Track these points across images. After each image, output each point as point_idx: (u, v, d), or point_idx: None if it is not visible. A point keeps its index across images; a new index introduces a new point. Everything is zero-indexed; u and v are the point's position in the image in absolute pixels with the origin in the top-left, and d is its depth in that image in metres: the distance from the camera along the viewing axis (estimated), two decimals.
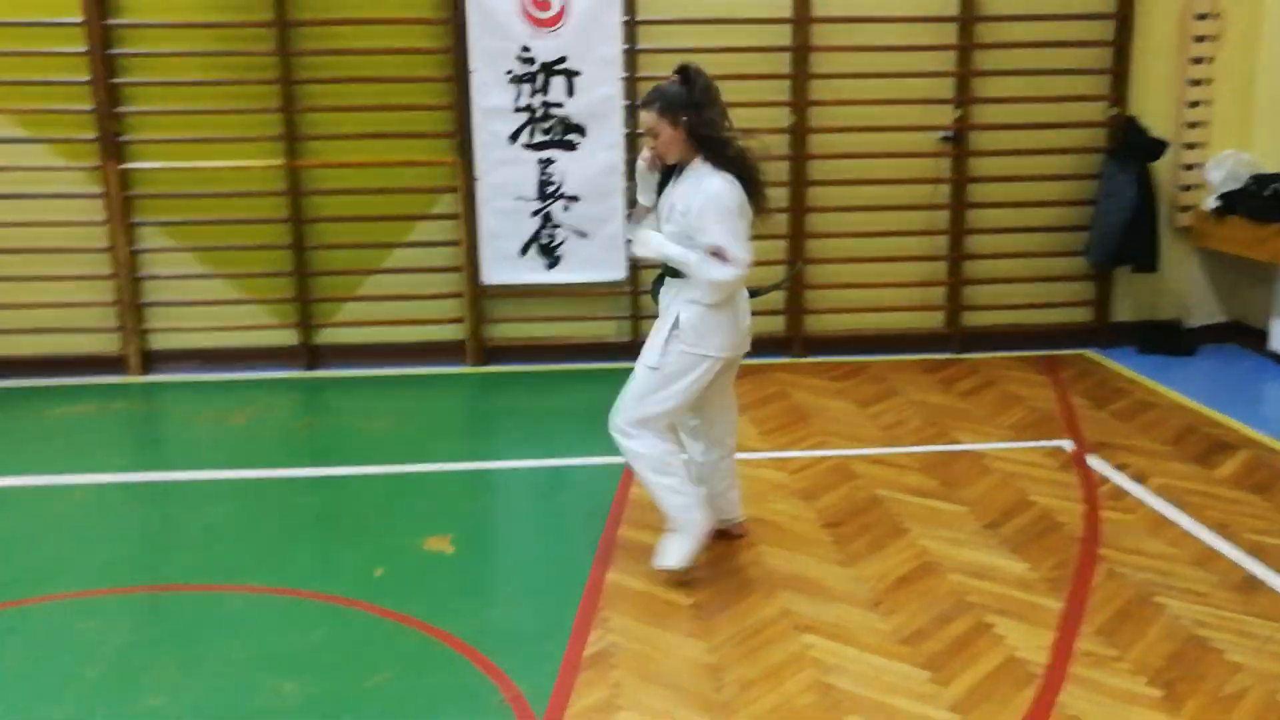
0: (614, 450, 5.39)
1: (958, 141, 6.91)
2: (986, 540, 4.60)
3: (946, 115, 6.89)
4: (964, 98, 6.86)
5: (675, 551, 4.24)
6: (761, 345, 7.01)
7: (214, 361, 6.94)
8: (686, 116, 3.96)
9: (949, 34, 6.81)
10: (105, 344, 6.89)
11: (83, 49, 6.51)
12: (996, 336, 7.18)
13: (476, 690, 3.62)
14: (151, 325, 6.92)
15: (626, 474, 5.32)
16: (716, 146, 4.00)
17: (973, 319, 7.20)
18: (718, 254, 3.95)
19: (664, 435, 4.24)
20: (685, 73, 4.03)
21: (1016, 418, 6.05)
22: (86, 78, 6.55)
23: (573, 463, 5.54)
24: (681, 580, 4.27)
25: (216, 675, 3.73)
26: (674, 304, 4.17)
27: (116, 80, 6.60)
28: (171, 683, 3.69)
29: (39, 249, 6.74)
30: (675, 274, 4.15)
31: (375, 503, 5.10)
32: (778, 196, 6.90)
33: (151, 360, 6.93)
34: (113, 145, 6.63)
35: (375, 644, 3.93)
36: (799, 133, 6.83)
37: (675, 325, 4.14)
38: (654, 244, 4.12)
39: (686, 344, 4.12)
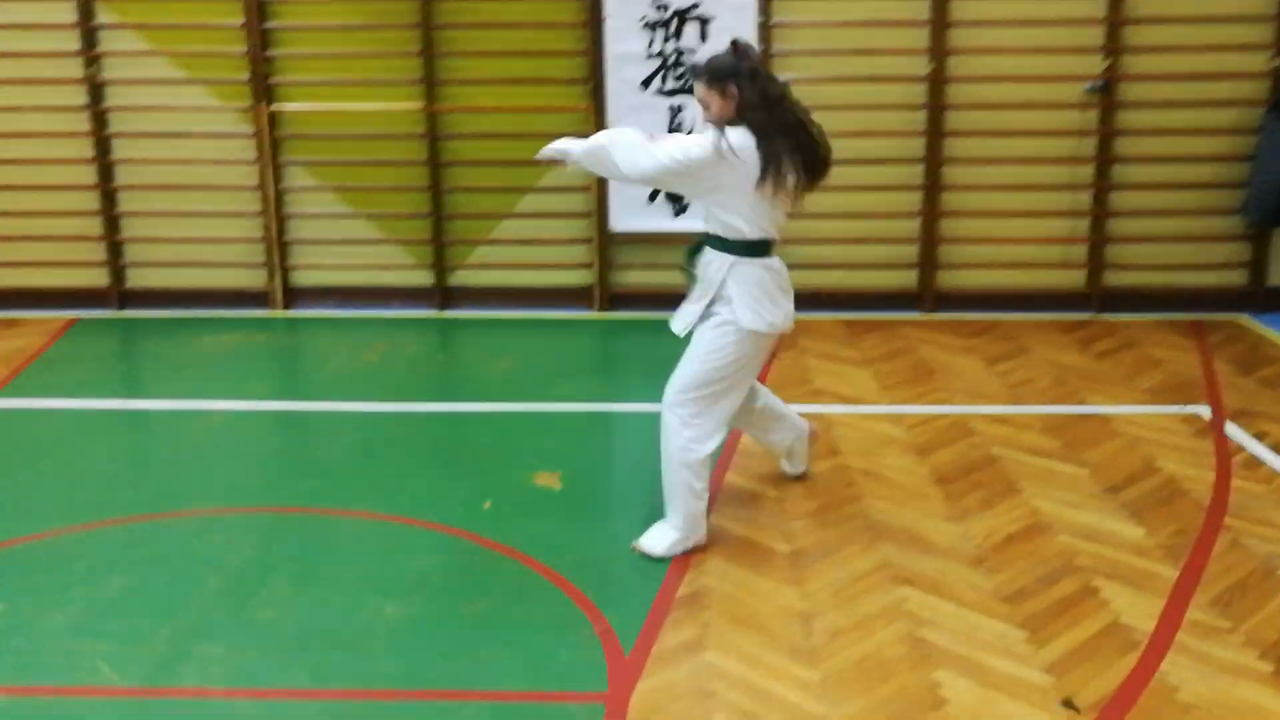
0: None
1: (1106, 92, 6.61)
2: (1104, 504, 4.45)
3: (1095, 65, 6.59)
4: (1114, 46, 6.55)
5: (663, 541, 4.12)
6: (892, 300, 6.94)
7: (352, 299, 7.17)
8: (736, 86, 3.83)
9: None
10: (251, 279, 7.19)
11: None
12: (1140, 298, 6.88)
13: (570, 622, 3.70)
14: (294, 262, 7.18)
15: None
16: (766, 110, 3.80)
17: (1115, 278, 6.92)
18: (654, 138, 3.83)
19: (719, 429, 4.11)
20: (735, 45, 3.93)
21: (1153, 381, 5.81)
22: (240, 21, 6.79)
23: None
24: (781, 527, 4.27)
25: (325, 594, 3.90)
26: (717, 275, 4.00)
27: (269, 25, 6.83)
28: (283, 598, 3.87)
29: (191, 186, 7.05)
30: (716, 242, 4.00)
31: (493, 439, 5.23)
32: (913, 147, 6.76)
33: (293, 296, 7.20)
34: (263, 87, 6.87)
35: (477, 573, 4.05)
36: (938, 81, 6.64)
37: (725, 301, 3.99)
38: (557, 144, 3.98)
39: (744, 320, 3.97)
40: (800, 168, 3.86)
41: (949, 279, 6.96)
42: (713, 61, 3.89)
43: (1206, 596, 3.77)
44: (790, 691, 3.30)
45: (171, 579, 4.03)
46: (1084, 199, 6.81)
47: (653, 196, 6.84)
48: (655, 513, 4.48)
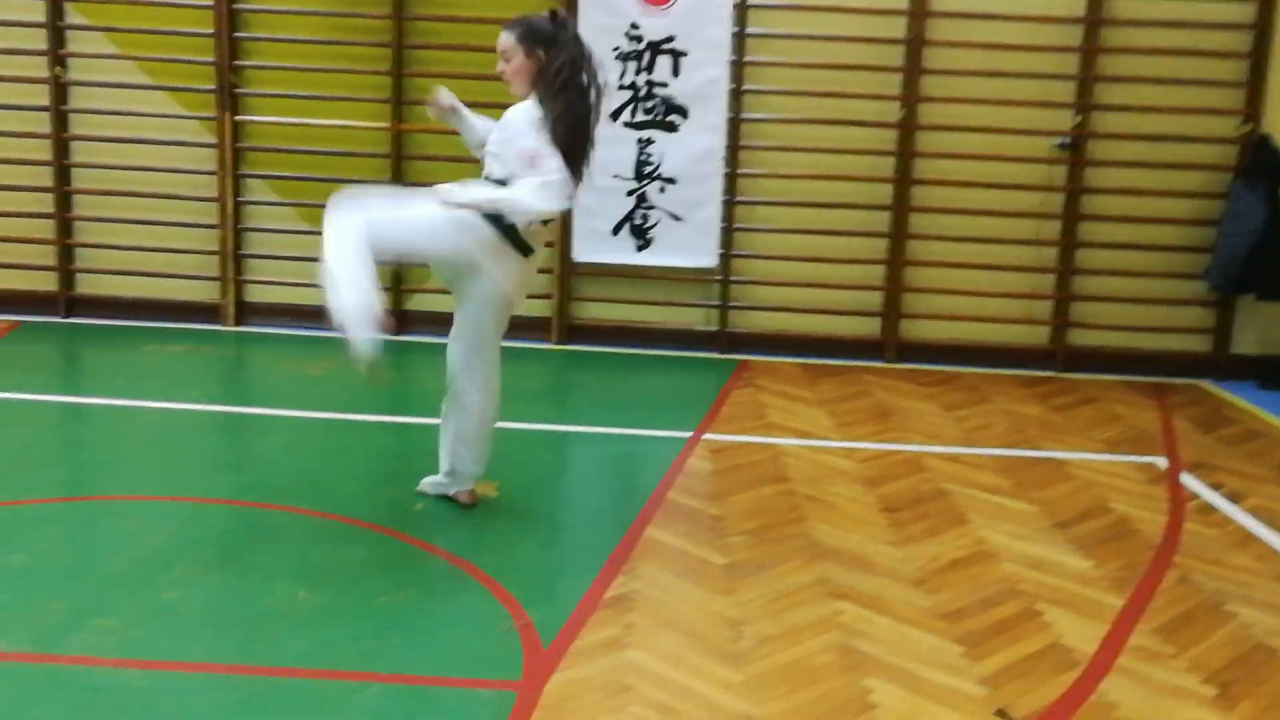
0: (681, 424, 5.31)
1: (1075, 149, 6.62)
2: (1052, 538, 4.32)
3: (1065, 120, 6.61)
4: (1085, 103, 6.58)
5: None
6: (854, 347, 6.86)
7: (305, 319, 7.02)
8: (543, 51, 3.92)
9: (1073, 36, 6.54)
10: (204, 292, 7.05)
11: (209, 2, 6.72)
12: (1104, 358, 6.82)
13: (487, 616, 3.53)
14: (249, 277, 7.05)
15: (689, 444, 5.19)
16: (558, 89, 3.89)
17: (1079, 337, 6.86)
18: (534, 161, 3.83)
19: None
20: (555, 15, 4.03)
21: (1111, 433, 5.72)
22: (210, 30, 6.75)
23: (637, 433, 5.43)
24: (718, 541, 4.12)
25: (236, 578, 3.73)
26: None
27: (239, 35, 6.79)
28: (191, 580, 3.69)
29: (149, 193, 6.93)
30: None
31: (431, 450, 5.04)
32: (880, 193, 6.73)
33: (245, 312, 7.06)
34: (229, 97, 6.81)
35: (398, 567, 3.87)
36: (907, 129, 6.63)
37: None
38: (469, 192, 3.90)
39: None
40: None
41: (913, 329, 6.89)
42: (533, 21, 4.00)
43: (1151, 625, 3.63)
44: (712, 690, 3.14)
45: (76, 557, 3.85)
46: (1049, 255, 6.78)
47: (617, 229, 6.77)
48: (590, 523, 4.36)
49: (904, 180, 6.71)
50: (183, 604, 3.52)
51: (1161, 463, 5.27)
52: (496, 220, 3.96)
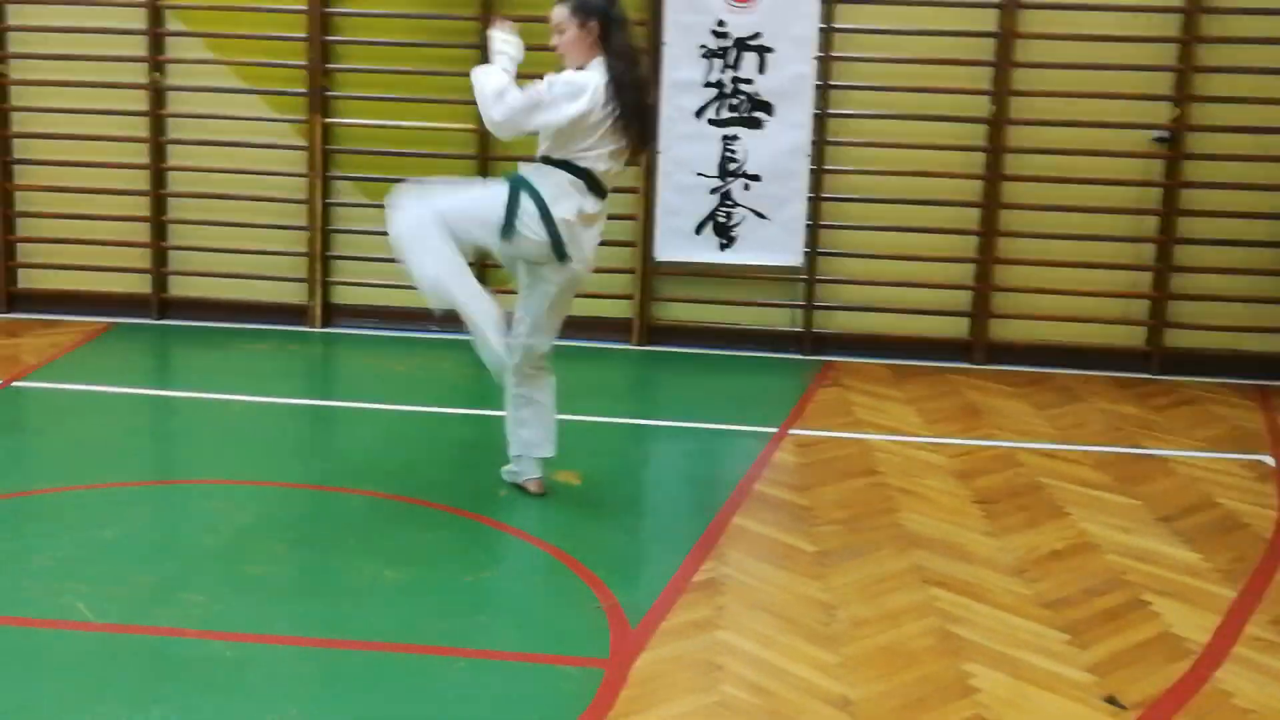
0: (766, 420, 5.18)
1: (1173, 142, 6.43)
2: (1157, 530, 4.16)
3: (1162, 113, 6.42)
4: (1182, 95, 6.38)
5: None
6: (941, 348, 6.70)
7: (391, 320, 7.06)
8: (596, 22, 3.96)
9: (1170, 26, 6.35)
10: (292, 293, 7.11)
11: (302, 6, 6.81)
12: (1205, 359, 6.58)
13: (573, 595, 3.48)
14: (335, 278, 7.11)
15: (775, 438, 5.10)
16: (618, 53, 3.97)
17: (1177, 338, 6.63)
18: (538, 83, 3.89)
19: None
20: None
21: (1214, 432, 5.50)
22: (304, 34, 6.84)
23: (721, 427, 5.35)
24: (808, 530, 4.02)
25: (321, 556, 3.72)
26: None
27: (329, 38, 6.87)
28: (276, 557, 3.69)
29: (242, 196, 7.03)
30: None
31: None
32: (970, 189, 6.59)
33: (332, 313, 7.11)
34: (320, 100, 6.88)
35: (482, 548, 3.85)
36: (998, 124, 6.49)
37: None
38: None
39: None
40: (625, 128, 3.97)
41: (1002, 329, 6.72)
42: None
43: (1268, 616, 3.46)
44: (806, 671, 3.05)
45: (165, 535, 3.89)
46: (1147, 252, 6.58)
47: (700, 228, 6.71)
48: (677, 511, 4.30)
49: (994, 176, 6.56)
50: (268, 580, 3.52)
51: (1269, 460, 5.05)
52: (567, 165, 3.99)
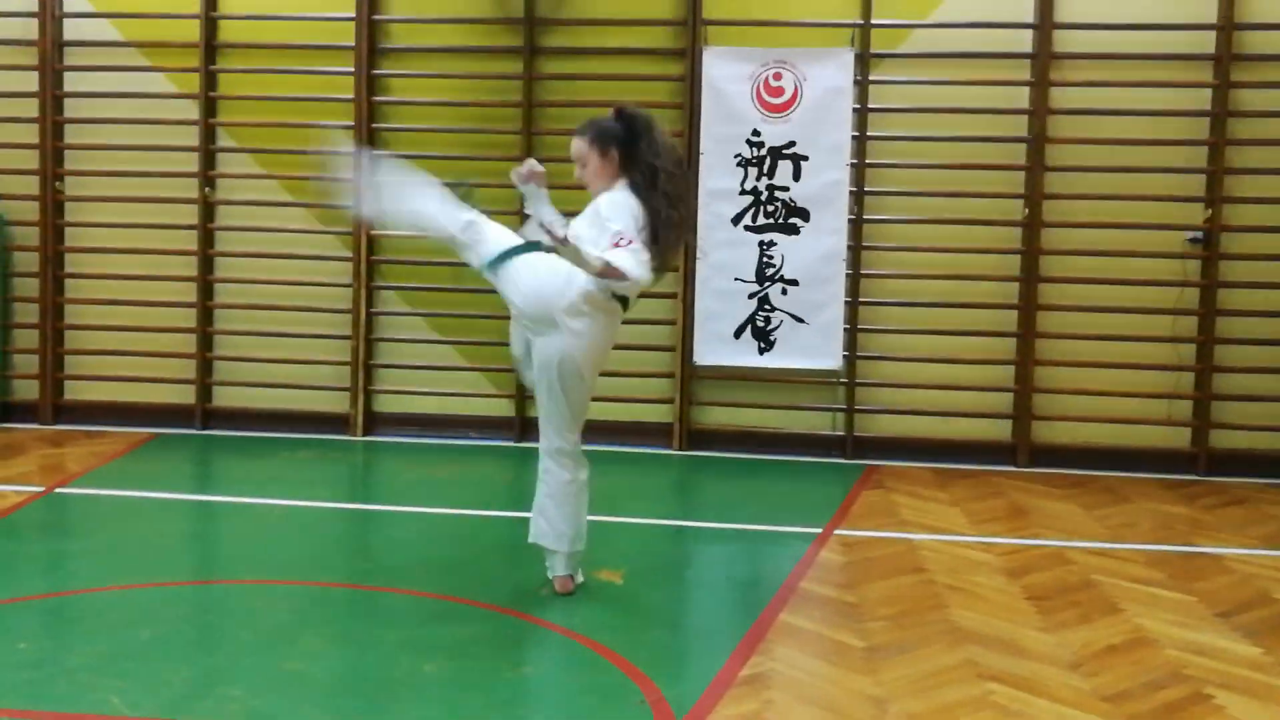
0: (810, 521, 5.13)
1: (1208, 243, 6.43)
2: (1215, 625, 4.04)
3: (1196, 214, 6.44)
4: (1215, 196, 6.41)
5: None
6: (984, 451, 6.64)
7: (431, 427, 7.09)
8: (616, 150, 4.04)
9: (1200, 129, 6.42)
10: (334, 402, 7.16)
11: (349, 123, 7.00)
12: (1252, 459, 6.47)
13: (617, 691, 3.40)
14: (377, 386, 7.17)
15: (819, 539, 5.04)
16: (647, 173, 4.02)
17: (1223, 439, 6.54)
18: (622, 242, 3.85)
19: None
20: (621, 112, 4.15)
21: (1268, 529, 5.39)
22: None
23: (765, 528, 5.29)
24: (856, 626, 3.94)
25: (359, 652, 3.69)
26: None
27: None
28: (314, 653, 3.66)
29: (287, 306, 7.14)
30: None
31: None
32: (1007, 292, 6.60)
33: (373, 421, 7.15)
34: None
35: (524, 644, 3.80)
36: (1033, 227, 6.53)
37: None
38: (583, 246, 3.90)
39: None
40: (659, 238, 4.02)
41: (1045, 431, 6.66)
42: (600, 123, 4.13)
43: None
44: None
45: (202, 632, 3.87)
46: (1187, 352, 6.53)
47: (739, 332, 6.74)
48: (721, 608, 4.23)
49: (1031, 278, 6.57)
50: (307, 674, 3.48)
51: None
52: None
